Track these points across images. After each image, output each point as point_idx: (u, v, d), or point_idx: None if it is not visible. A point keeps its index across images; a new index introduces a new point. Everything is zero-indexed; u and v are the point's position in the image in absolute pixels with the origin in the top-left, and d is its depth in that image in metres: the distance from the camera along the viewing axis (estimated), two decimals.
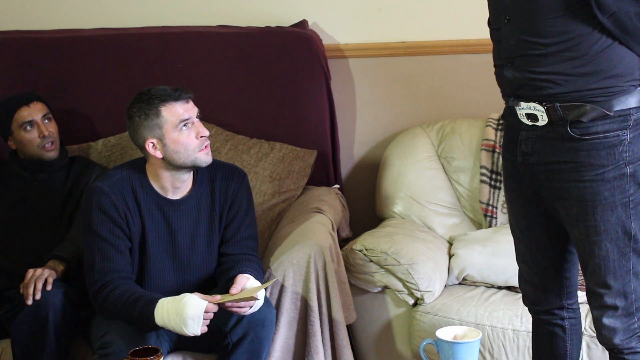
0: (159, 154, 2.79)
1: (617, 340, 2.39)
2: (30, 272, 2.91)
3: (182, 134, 2.78)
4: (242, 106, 3.65)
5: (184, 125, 2.78)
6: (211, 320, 2.67)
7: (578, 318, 2.67)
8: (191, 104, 2.83)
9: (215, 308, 2.67)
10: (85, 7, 3.80)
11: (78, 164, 3.33)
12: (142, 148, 2.81)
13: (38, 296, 2.84)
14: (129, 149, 3.50)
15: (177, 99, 2.79)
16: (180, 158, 2.79)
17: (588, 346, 3.04)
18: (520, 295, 3.24)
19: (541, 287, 2.61)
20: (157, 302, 2.67)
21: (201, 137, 2.80)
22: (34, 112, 3.21)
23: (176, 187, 2.87)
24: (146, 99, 2.78)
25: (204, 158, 2.82)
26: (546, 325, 2.65)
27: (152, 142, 2.78)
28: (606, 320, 2.39)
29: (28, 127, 3.20)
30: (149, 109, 2.77)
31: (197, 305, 2.63)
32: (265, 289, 2.93)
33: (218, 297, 2.68)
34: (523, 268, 2.64)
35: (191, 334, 2.64)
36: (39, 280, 2.87)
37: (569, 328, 2.64)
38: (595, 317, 2.42)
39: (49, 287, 2.87)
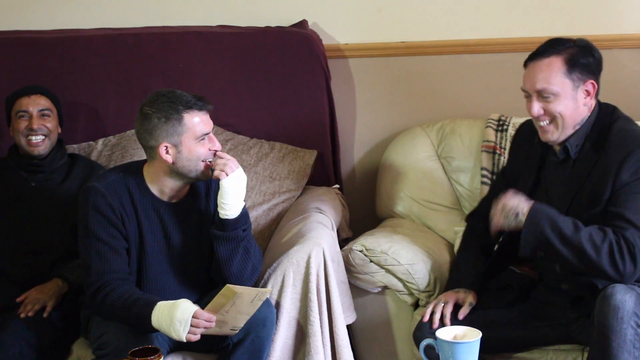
0: (169, 159, 2.76)
1: None
2: (34, 293, 3.02)
3: (198, 145, 2.77)
4: (242, 106, 3.65)
5: (203, 138, 2.78)
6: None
7: None
8: (208, 116, 2.81)
9: (207, 315, 2.62)
10: (85, 7, 3.80)
11: (80, 165, 3.30)
12: (152, 149, 2.78)
13: (31, 313, 2.95)
14: (130, 148, 3.50)
15: (200, 108, 2.76)
16: (190, 165, 2.77)
17: None
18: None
19: None
20: (155, 304, 2.66)
21: (214, 150, 2.80)
22: (32, 103, 3.22)
23: (174, 192, 2.86)
24: (168, 101, 2.74)
25: (207, 173, 2.80)
26: None
27: (166, 146, 2.75)
28: None
29: (21, 116, 3.21)
30: (171, 113, 2.73)
31: (186, 309, 2.62)
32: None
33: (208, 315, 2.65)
34: None
35: (176, 338, 2.62)
36: (38, 305, 2.98)
37: None
38: None
39: (45, 314, 2.98)
